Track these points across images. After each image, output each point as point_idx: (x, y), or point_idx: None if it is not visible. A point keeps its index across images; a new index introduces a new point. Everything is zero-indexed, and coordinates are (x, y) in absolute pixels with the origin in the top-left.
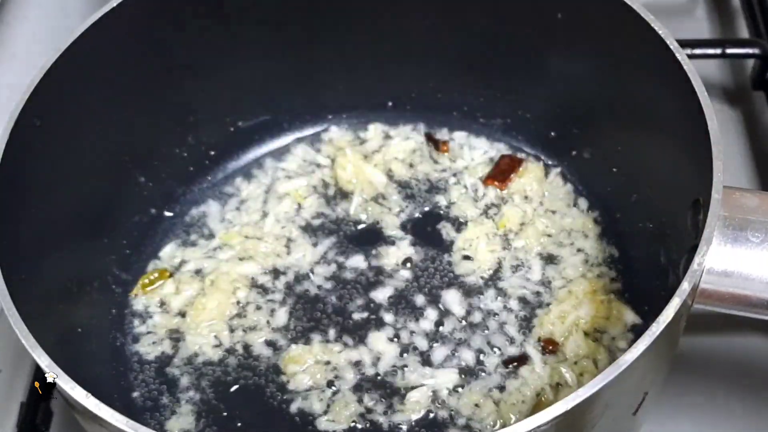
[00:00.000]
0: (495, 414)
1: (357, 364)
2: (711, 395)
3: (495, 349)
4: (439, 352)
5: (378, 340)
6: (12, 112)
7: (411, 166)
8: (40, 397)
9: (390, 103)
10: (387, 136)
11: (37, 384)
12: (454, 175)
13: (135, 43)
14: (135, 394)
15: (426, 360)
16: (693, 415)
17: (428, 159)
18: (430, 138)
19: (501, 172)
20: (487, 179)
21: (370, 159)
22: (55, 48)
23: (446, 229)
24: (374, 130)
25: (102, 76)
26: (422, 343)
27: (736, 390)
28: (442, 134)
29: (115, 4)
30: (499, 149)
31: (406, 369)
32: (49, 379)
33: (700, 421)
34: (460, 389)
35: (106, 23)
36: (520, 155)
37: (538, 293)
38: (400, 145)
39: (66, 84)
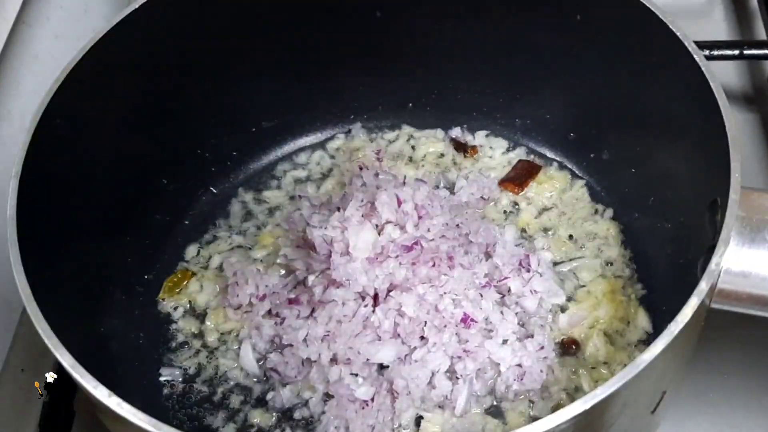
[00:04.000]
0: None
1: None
2: (729, 394)
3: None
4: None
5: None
6: (34, 113)
7: (437, 165)
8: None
9: (410, 105)
10: (411, 137)
11: (37, 384)
12: (472, 174)
13: (157, 44)
14: (158, 394)
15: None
16: (711, 413)
17: (450, 160)
18: (456, 143)
19: (517, 176)
20: (502, 182)
21: (400, 159)
22: (77, 49)
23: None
24: (400, 132)
25: (123, 78)
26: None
27: (754, 389)
28: (463, 135)
29: (137, 6)
30: (518, 150)
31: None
32: (49, 379)
33: (719, 419)
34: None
35: (129, 25)
36: (538, 157)
37: (555, 295)
38: (426, 147)
39: (88, 85)
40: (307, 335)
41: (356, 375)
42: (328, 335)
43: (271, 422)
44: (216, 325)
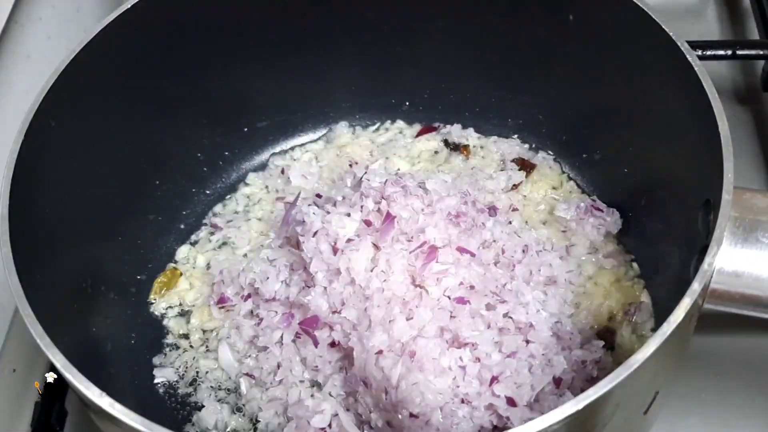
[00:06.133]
0: None
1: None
2: (721, 395)
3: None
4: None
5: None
6: (27, 113)
7: (431, 162)
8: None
9: (403, 104)
10: (402, 133)
11: (36, 384)
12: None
13: (149, 45)
14: (150, 394)
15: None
16: (704, 414)
17: (444, 158)
18: (449, 143)
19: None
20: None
21: (396, 156)
22: (69, 49)
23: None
24: (391, 128)
25: (116, 78)
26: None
27: (746, 389)
28: (456, 136)
29: (129, 5)
30: (511, 150)
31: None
32: (49, 379)
33: (711, 420)
34: None
35: (121, 24)
36: (531, 156)
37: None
38: (421, 144)
39: (80, 85)
40: (281, 337)
41: (313, 396)
42: (299, 338)
43: (248, 427)
44: (201, 323)
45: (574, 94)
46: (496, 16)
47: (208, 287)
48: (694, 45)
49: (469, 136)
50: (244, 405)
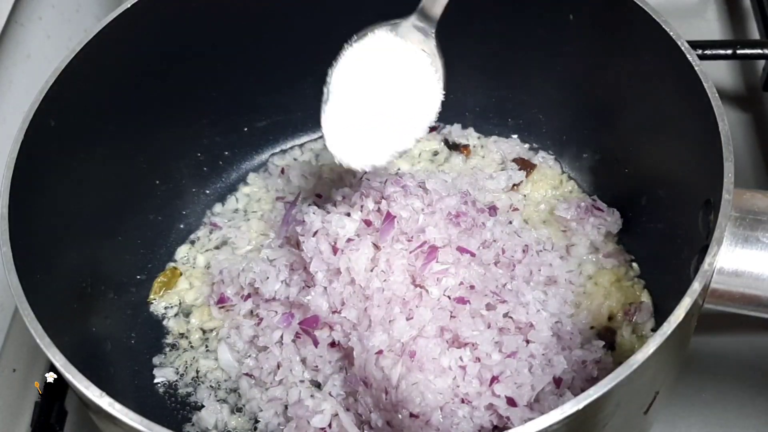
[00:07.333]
0: None
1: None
2: (722, 395)
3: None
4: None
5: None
6: (26, 113)
7: (431, 162)
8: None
9: None
10: None
11: (36, 384)
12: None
13: (149, 44)
14: (150, 394)
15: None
16: (704, 414)
17: (445, 158)
18: (449, 143)
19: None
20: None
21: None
22: (69, 49)
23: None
24: None
25: (116, 78)
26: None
27: (746, 389)
28: (456, 135)
29: (129, 5)
30: (511, 150)
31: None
32: (49, 379)
33: (711, 420)
34: None
35: (121, 24)
36: (531, 156)
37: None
38: (421, 145)
39: (80, 85)
40: (281, 337)
41: (313, 397)
42: (299, 338)
43: (248, 427)
44: (201, 323)
45: (574, 94)
46: (496, 15)
47: (208, 287)
48: (694, 45)
49: (469, 136)
50: (244, 405)
